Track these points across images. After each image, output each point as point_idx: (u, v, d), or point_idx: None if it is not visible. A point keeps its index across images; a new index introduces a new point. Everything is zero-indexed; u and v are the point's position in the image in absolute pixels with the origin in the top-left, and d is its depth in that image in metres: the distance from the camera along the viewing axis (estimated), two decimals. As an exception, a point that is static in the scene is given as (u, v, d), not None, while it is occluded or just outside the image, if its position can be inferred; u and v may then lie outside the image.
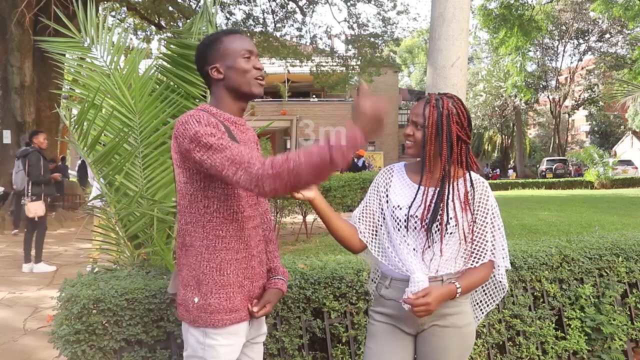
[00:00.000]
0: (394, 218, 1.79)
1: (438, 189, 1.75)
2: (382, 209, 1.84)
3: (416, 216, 1.75)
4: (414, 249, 1.75)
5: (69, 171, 15.51)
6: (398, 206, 1.79)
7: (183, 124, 1.54)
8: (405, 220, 1.76)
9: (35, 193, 6.46)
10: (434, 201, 1.74)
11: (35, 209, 6.44)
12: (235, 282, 1.61)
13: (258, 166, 1.42)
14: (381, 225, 1.84)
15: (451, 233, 1.74)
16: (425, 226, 1.73)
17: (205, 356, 1.60)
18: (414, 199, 1.77)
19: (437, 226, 1.73)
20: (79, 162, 7.64)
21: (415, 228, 1.75)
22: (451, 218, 1.73)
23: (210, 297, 1.59)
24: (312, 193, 1.70)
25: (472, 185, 1.78)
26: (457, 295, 1.70)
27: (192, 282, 1.63)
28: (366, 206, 1.88)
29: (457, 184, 1.78)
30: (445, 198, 1.74)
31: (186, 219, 1.62)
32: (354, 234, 1.84)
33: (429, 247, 1.73)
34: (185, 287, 1.64)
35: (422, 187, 1.77)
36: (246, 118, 1.76)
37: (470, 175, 1.79)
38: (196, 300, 1.61)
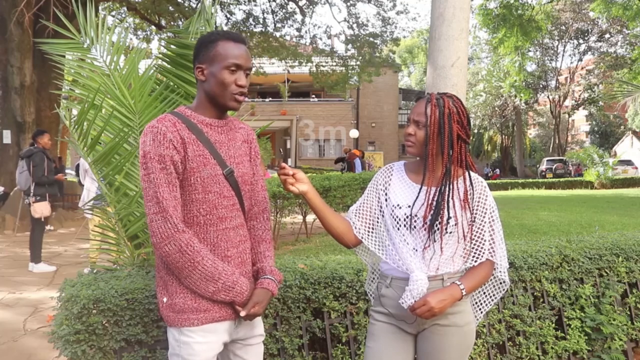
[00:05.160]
0: (393, 217, 1.79)
1: (439, 187, 1.76)
2: (380, 207, 1.85)
3: (416, 215, 1.75)
4: (414, 248, 1.75)
5: (67, 170, 15.56)
6: (398, 205, 1.79)
7: (144, 134, 1.57)
8: (405, 220, 1.76)
9: (38, 193, 6.47)
10: (435, 200, 1.74)
11: (41, 209, 6.46)
12: None
13: (179, 228, 1.52)
14: (379, 222, 1.84)
15: (450, 232, 1.74)
16: (427, 225, 1.73)
17: (182, 353, 1.60)
18: (417, 198, 1.77)
19: (437, 225, 1.73)
20: (77, 162, 7.66)
21: (416, 227, 1.75)
22: (451, 217, 1.73)
23: (175, 297, 1.60)
24: (305, 187, 1.70)
25: (471, 184, 1.79)
26: (463, 296, 1.70)
27: (160, 283, 1.65)
28: (363, 203, 1.88)
29: (457, 183, 1.78)
30: (446, 197, 1.74)
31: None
32: (349, 229, 1.85)
33: (429, 246, 1.73)
34: (157, 288, 1.67)
35: (424, 187, 1.77)
36: (246, 118, 1.76)
37: (469, 174, 1.80)
38: (165, 300, 1.62)
